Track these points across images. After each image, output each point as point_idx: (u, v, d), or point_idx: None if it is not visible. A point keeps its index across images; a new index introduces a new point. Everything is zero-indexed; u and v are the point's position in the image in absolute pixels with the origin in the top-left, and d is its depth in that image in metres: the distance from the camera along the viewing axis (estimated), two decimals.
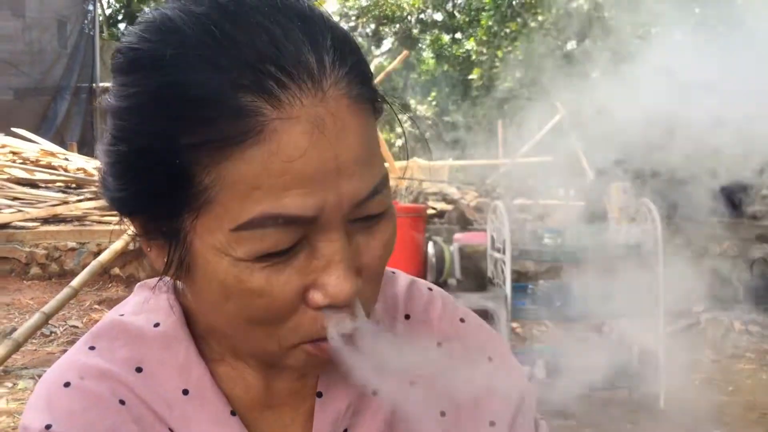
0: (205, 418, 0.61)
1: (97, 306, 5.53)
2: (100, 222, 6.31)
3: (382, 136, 23.04)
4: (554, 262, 4.82)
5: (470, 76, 17.06)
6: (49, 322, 4.88)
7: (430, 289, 0.74)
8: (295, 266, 0.53)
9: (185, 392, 0.62)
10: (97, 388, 0.61)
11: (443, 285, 3.54)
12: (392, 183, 6.03)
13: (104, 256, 5.38)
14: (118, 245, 5.55)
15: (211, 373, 0.63)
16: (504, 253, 3.64)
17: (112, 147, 0.55)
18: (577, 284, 3.88)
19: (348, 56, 0.53)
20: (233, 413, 0.62)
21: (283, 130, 0.49)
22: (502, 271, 3.66)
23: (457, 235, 3.73)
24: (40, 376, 3.43)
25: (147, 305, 0.65)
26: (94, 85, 14.81)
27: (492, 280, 3.83)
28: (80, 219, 6.38)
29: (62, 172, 7.95)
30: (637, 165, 6.19)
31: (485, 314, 3.62)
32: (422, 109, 22.83)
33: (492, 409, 0.69)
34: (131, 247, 5.79)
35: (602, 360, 3.80)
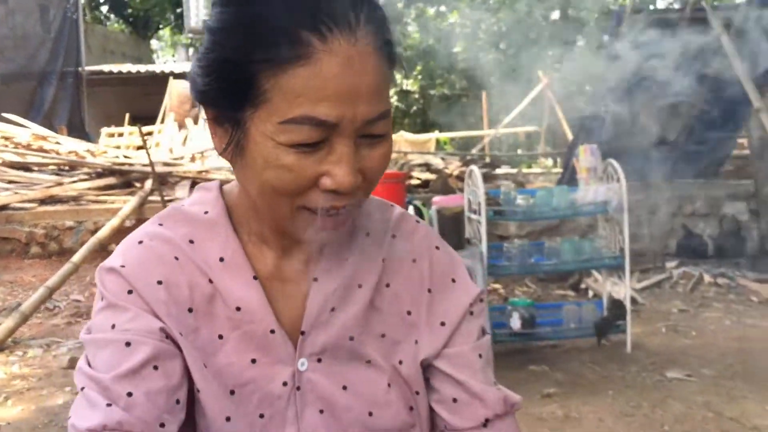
0: (236, 278, 0.83)
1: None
2: (95, 201, 6.51)
3: None
4: (527, 221, 5.09)
5: (455, 49, 17.15)
6: (53, 297, 5.12)
7: (418, 222, 0.94)
8: (317, 157, 0.73)
9: (221, 260, 0.84)
10: (160, 248, 0.83)
11: None
12: None
13: (102, 233, 5.60)
14: (115, 222, 5.79)
15: (243, 249, 0.85)
16: (480, 214, 3.89)
17: (204, 55, 0.75)
18: (549, 242, 4.14)
19: (377, 19, 0.74)
20: (255, 278, 0.84)
21: (325, 60, 0.69)
22: (479, 231, 3.91)
23: (436, 198, 3.94)
24: (48, 346, 3.70)
25: (200, 199, 0.88)
26: (79, 69, 14.84)
27: (470, 240, 4.08)
28: (76, 199, 6.57)
29: (54, 155, 8.10)
30: (612, 130, 6.45)
31: None
32: (408, 84, 22.91)
33: (445, 313, 0.89)
34: (128, 223, 6.02)
35: (573, 311, 4.08)
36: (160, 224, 0.86)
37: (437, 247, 0.92)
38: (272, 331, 0.83)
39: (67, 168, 7.69)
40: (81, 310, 5.26)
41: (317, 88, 0.69)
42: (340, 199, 0.75)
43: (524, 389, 3.39)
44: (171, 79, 12.92)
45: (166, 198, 6.18)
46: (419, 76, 22.44)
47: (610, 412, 3.06)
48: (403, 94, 21.82)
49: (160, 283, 0.81)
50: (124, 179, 7.15)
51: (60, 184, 6.89)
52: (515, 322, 3.96)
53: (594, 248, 4.06)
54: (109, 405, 0.75)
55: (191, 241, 0.84)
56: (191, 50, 20.44)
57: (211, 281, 0.83)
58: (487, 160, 9.13)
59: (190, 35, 19.67)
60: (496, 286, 5.82)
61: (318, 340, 0.84)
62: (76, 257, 5.25)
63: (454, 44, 17.80)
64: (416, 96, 21.82)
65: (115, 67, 15.13)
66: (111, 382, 0.76)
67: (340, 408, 0.85)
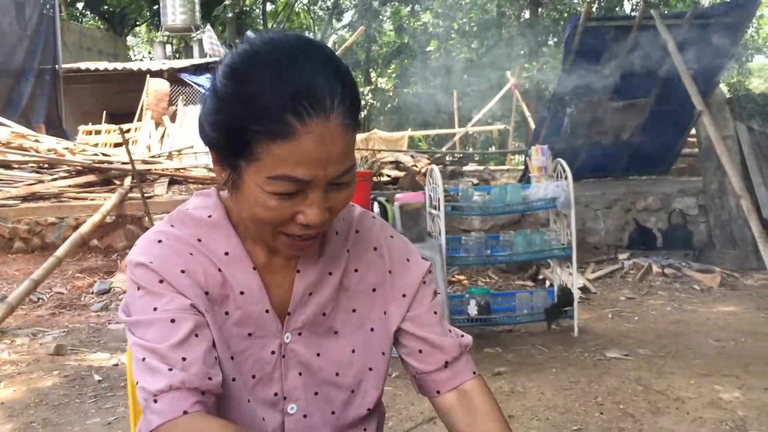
0: (239, 268, 1.05)
1: (79, 274, 6.00)
2: (76, 198, 6.74)
3: None
4: (482, 215, 5.43)
5: (428, 48, 17.46)
6: (37, 289, 5.37)
7: (374, 217, 1.18)
8: (294, 201, 0.95)
9: (226, 254, 1.05)
10: (177, 245, 1.03)
11: None
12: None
13: (84, 228, 5.85)
14: (96, 218, 6.03)
15: (243, 246, 1.06)
16: (439, 209, 4.22)
17: (212, 113, 0.95)
18: (504, 235, 4.47)
19: (348, 97, 0.92)
20: (254, 268, 1.06)
21: (303, 138, 0.89)
22: (439, 225, 4.24)
23: (398, 195, 4.25)
24: (34, 335, 3.97)
25: (202, 204, 1.08)
26: (56, 66, 14.89)
27: (431, 233, 4.41)
28: (57, 196, 6.79)
29: (34, 153, 8.27)
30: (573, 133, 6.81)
31: None
32: (382, 82, 23.18)
33: (405, 287, 1.13)
34: (108, 219, 6.27)
35: (526, 299, 4.43)
36: (171, 225, 1.07)
37: (392, 236, 1.17)
38: (267, 311, 1.06)
39: (47, 166, 7.87)
40: (64, 302, 5.51)
41: (296, 156, 0.90)
42: (311, 229, 0.98)
43: (478, 368, 3.73)
44: (148, 77, 13.08)
45: (146, 195, 6.43)
46: (393, 75, 22.75)
47: (552, 386, 3.40)
48: (378, 92, 22.09)
49: (183, 272, 1.02)
50: (103, 177, 7.37)
51: (41, 181, 7.09)
52: (472, 309, 4.29)
53: (544, 240, 4.39)
54: (170, 369, 0.94)
55: (199, 240, 1.05)
56: (168, 48, 20.52)
57: (220, 270, 1.05)
58: (456, 158, 9.46)
59: (167, 33, 19.80)
60: (461, 277, 6.16)
61: (300, 318, 1.08)
62: (59, 251, 5.49)
63: (427, 43, 18.09)
64: (390, 94, 22.11)
65: (92, 65, 15.22)
66: (167, 350, 0.96)
67: (314, 370, 1.09)
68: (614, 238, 6.75)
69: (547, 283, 5.77)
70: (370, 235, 1.15)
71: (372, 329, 1.12)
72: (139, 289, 1.01)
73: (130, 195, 6.58)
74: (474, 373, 1.16)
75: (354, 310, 1.12)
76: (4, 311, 4.68)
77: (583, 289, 5.47)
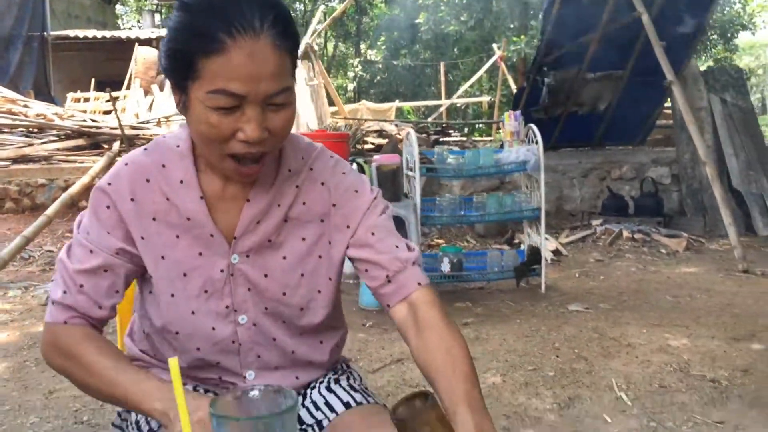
0: (188, 196, 1.17)
1: (68, 234, 6.17)
2: (66, 161, 6.90)
3: (335, 82, 23.33)
4: (455, 177, 5.63)
5: (417, 21, 17.51)
6: (28, 247, 5.55)
7: (332, 156, 1.28)
8: (233, 117, 1.05)
9: (181, 182, 1.17)
10: (137, 171, 1.18)
11: None
12: (338, 122, 6.73)
13: (74, 189, 6.02)
14: (85, 180, 6.20)
15: (197, 175, 1.18)
16: (415, 171, 4.42)
17: (166, 43, 1.08)
18: (477, 196, 4.68)
19: (281, 23, 1.03)
20: (201, 198, 1.18)
21: (233, 52, 1.00)
22: (414, 186, 4.44)
23: (376, 156, 4.45)
24: (26, 288, 4.16)
25: (177, 135, 1.22)
26: (45, 33, 14.90)
27: (407, 194, 4.61)
28: (47, 159, 6.95)
29: (23, 118, 8.40)
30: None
31: (400, 221, 4.41)
32: (372, 54, 23.19)
33: (348, 217, 1.23)
34: (97, 181, 6.44)
35: (496, 257, 4.65)
36: (145, 149, 1.22)
37: (343, 173, 1.26)
38: (211, 235, 1.19)
39: (36, 130, 8.01)
40: (54, 260, 5.70)
41: (229, 70, 1.01)
42: (252, 147, 1.07)
43: None
44: (137, 45, 13.14)
45: None
46: (383, 47, 22.76)
47: (514, 334, 3.64)
48: (368, 64, 22.14)
49: (132, 200, 1.17)
50: (92, 141, 7.52)
51: (31, 145, 7.24)
52: (445, 266, 4.51)
53: (515, 202, 4.60)
54: (65, 292, 1.16)
55: (163, 165, 1.19)
56: (157, 16, 20.46)
57: (168, 199, 1.18)
58: (440, 128, 9.64)
59: (156, 1, 19.74)
60: (440, 241, 6.37)
61: (246, 242, 1.20)
62: (50, 210, 5.67)
63: (417, 15, 18.12)
64: (380, 66, 22.16)
65: (80, 32, 15.23)
66: (74, 273, 1.16)
67: (262, 288, 1.21)
68: (589, 205, 6.98)
69: (522, 246, 6.01)
70: (321, 173, 1.25)
71: (320, 256, 1.24)
72: (90, 209, 1.19)
73: (117, 158, 6.73)
74: (419, 284, 1.20)
75: (303, 239, 1.23)
76: None
77: (556, 252, 5.70)
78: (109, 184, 1.17)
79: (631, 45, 6.73)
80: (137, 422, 1.24)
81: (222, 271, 1.19)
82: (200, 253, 1.19)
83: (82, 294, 1.16)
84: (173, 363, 0.91)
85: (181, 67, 1.05)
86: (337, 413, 1.26)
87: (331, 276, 1.26)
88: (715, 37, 19.19)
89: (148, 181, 1.18)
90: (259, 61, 1.02)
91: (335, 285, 1.27)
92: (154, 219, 1.18)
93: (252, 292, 1.22)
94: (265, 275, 1.21)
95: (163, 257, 1.18)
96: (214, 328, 1.21)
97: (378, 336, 3.62)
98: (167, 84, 12.96)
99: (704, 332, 3.61)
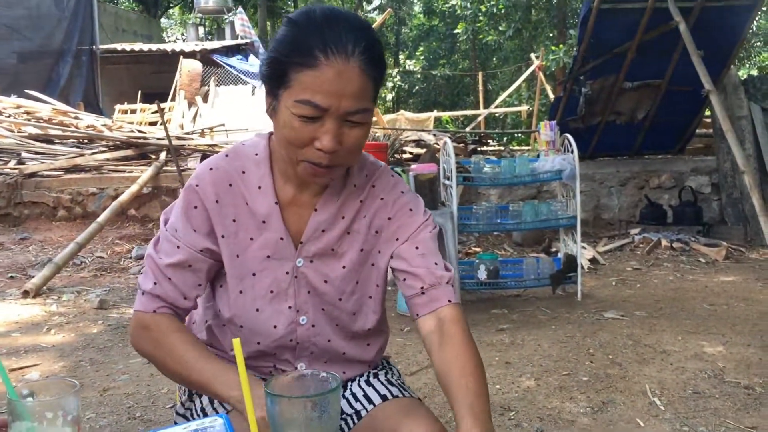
0: (265, 202, 1.29)
1: (118, 241, 6.42)
2: (115, 171, 7.16)
3: None
4: (492, 186, 5.70)
5: (456, 31, 17.61)
6: (80, 254, 5.80)
7: (393, 176, 1.39)
8: (314, 127, 1.17)
9: (259, 187, 1.30)
10: (222, 176, 1.29)
11: None
12: (377, 132, 6.86)
13: (124, 197, 6.26)
14: (134, 188, 6.45)
15: (273, 182, 1.31)
16: (451, 180, 4.52)
17: (267, 53, 1.23)
18: (513, 205, 4.76)
19: (369, 52, 1.16)
20: (276, 203, 1.30)
21: (325, 69, 1.13)
22: (451, 195, 4.54)
23: (413, 166, 4.56)
24: (79, 293, 4.38)
25: (255, 143, 1.34)
26: (94, 47, 15.38)
27: (444, 202, 4.71)
28: (97, 168, 7.22)
29: (74, 129, 8.73)
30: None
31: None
32: (411, 64, 23.34)
33: (399, 232, 1.34)
34: (145, 190, 6.68)
35: (532, 265, 4.72)
36: (227, 155, 1.33)
37: (402, 192, 1.37)
38: (281, 239, 1.31)
39: (86, 141, 8.32)
40: (105, 265, 5.93)
41: (317, 84, 1.14)
42: (324, 157, 1.18)
43: (483, 326, 4.05)
44: (181, 58, 13.50)
45: (180, 168, 6.82)
46: (422, 57, 22.89)
47: (549, 340, 3.70)
48: (406, 75, 22.29)
49: (217, 202, 1.29)
50: (140, 152, 7.78)
51: (82, 155, 7.53)
52: (481, 274, 4.59)
53: (551, 210, 4.66)
54: (155, 283, 1.28)
55: (243, 172, 1.31)
56: (200, 29, 20.93)
57: (247, 203, 1.31)
58: (477, 137, 9.71)
59: (200, 15, 20.21)
60: (477, 249, 6.45)
61: (311, 248, 1.32)
62: (101, 218, 5.91)
63: (455, 25, 18.21)
64: (419, 76, 22.29)
65: (128, 46, 15.68)
66: (163, 267, 1.28)
67: (321, 292, 1.33)
68: (627, 214, 6.98)
69: (559, 255, 6.05)
70: (382, 190, 1.36)
71: (372, 264, 1.36)
72: (181, 207, 1.31)
73: (165, 168, 6.97)
74: (449, 301, 1.28)
75: (362, 250, 1.34)
76: (53, 270, 5.11)
77: (593, 261, 5.73)
78: (197, 185, 1.29)
79: (669, 53, 6.73)
80: (203, 409, 1.35)
81: (287, 273, 1.31)
82: (268, 256, 1.31)
83: (170, 285, 1.28)
84: (237, 343, 1.03)
85: (276, 75, 1.18)
86: (374, 404, 1.35)
87: (379, 283, 1.38)
88: (759, 44, 18.87)
89: (230, 185, 1.30)
90: (345, 81, 1.14)
91: (382, 291, 1.39)
92: (234, 220, 1.30)
93: (312, 295, 1.33)
94: (325, 281, 1.33)
95: (237, 256, 1.30)
96: (275, 326, 1.32)
97: (415, 341, 3.71)
98: (211, 95, 13.30)
99: (740, 340, 3.63)
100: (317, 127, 1.17)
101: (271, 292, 1.32)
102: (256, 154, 1.32)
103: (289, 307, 1.32)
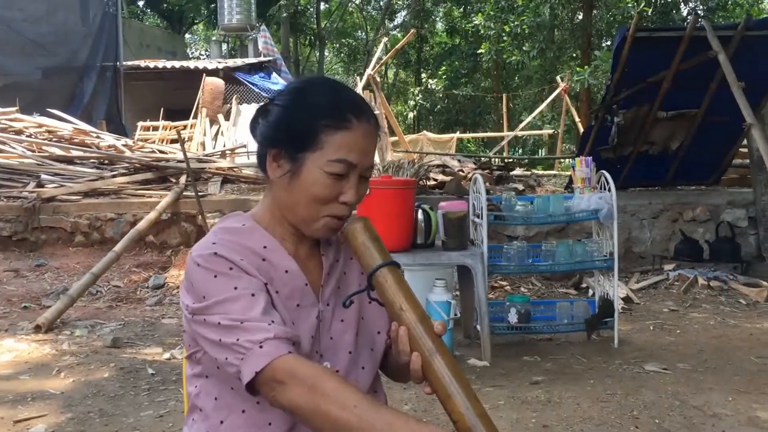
0: (279, 255, 1.32)
1: (135, 269, 6.27)
2: (134, 195, 7.03)
3: (395, 109, 23.39)
4: (524, 224, 5.48)
5: (479, 51, 17.43)
6: (96, 282, 5.64)
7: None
8: (341, 183, 1.27)
9: (265, 247, 1.31)
10: (227, 245, 1.27)
11: (431, 245, 4.21)
12: (400, 157, 6.69)
13: (141, 225, 6.11)
14: (152, 215, 6.30)
15: (275, 241, 1.33)
16: (482, 218, 4.30)
17: (281, 119, 1.29)
18: (546, 244, 4.53)
19: (374, 117, 1.33)
20: (290, 254, 1.33)
21: (357, 130, 1.27)
22: (481, 234, 4.32)
23: (442, 204, 4.34)
24: (93, 327, 4.20)
25: (234, 221, 1.36)
26: (118, 64, 15.39)
27: (473, 241, 4.50)
28: (116, 192, 7.09)
29: (95, 150, 8.63)
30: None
31: (466, 269, 4.29)
32: (433, 83, 23.19)
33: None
34: (164, 217, 6.52)
35: (566, 308, 4.48)
36: (213, 243, 1.29)
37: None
38: (306, 284, 1.33)
39: (106, 162, 8.21)
40: (120, 295, 5.77)
41: (351, 143, 1.27)
42: (346, 209, 1.29)
43: (515, 377, 3.81)
44: (204, 75, 13.44)
45: (200, 193, 6.67)
46: (444, 76, 22.73)
47: (588, 397, 3.46)
48: (428, 93, 22.15)
49: (242, 259, 1.26)
50: (160, 174, 7.65)
51: (101, 177, 7.41)
52: (512, 317, 4.36)
53: (586, 251, 4.43)
54: (269, 324, 1.17)
55: (240, 244, 1.30)
56: (224, 46, 20.96)
57: (264, 259, 1.30)
58: (503, 162, 9.49)
59: (223, 32, 20.24)
60: (503, 283, 6.22)
61: (327, 291, 1.36)
62: (118, 247, 5.76)
63: (478, 45, 18.06)
64: (440, 95, 22.14)
65: (151, 63, 15.69)
66: (259, 316, 1.18)
67: (339, 333, 1.36)
68: (660, 248, 6.71)
69: (590, 292, 5.79)
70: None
71: (369, 302, 1.33)
72: (216, 276, 1.23)
73: (184, 193, 6.82)
74: None
75: (358, 285, 1.39)
76: (66, 303, 4.96)
77: (626, 300, 5.47)
78: (217, 253, 1.25)
79: (706, 83, 6.47)
80: None
81: (317, 318, 1.33)
82: (298, 305, 1.31)
83: (280, 325, 1.19)
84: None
85: (299, 138, 1.26)
86: None
87: (380, 329, 1.42)
88: None
89: (242, 248, 1.29)
90: (369, 141, 1.30)
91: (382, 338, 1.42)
92: (260, 275, 1.28)
93: (334, 339, 1.35)
94: (342, 320, 1.36)
95: (274, 306, 1.27)
96: None
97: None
98: (233, 113, 13.21)
99: None
100: (342, 184, 1.27)
101: (312, 337, 1.31)
102: (244, 225, 1.34)
103: (316, 352, 1.32)
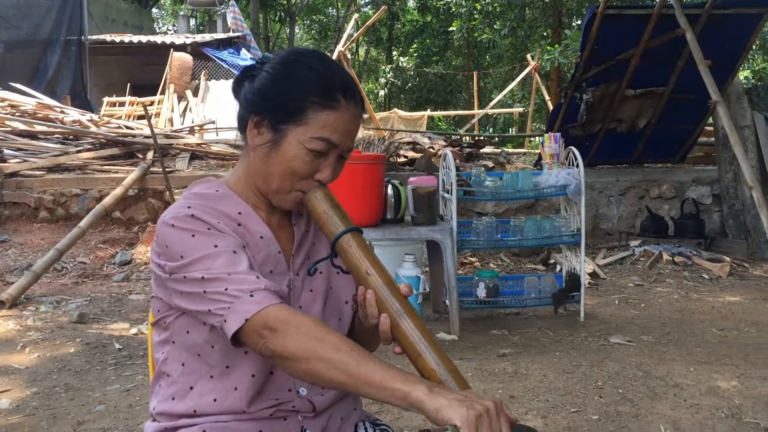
0: (254, 221, 1.32)
1: (101, 245, 6.18)
2: (100, 170, 6.90)
3: (366, 87, 23.25)
4: (494, 200, 5.51)
5: (450, 28, 17.39)
6: (61, 259, 5.55)
7: None
8: (318, 162, 1.28)
9: (239, 213, 1.31)
10: (202, 206, 1.26)
11: (400, 220, 4.21)
12: (371, 133, 6.66)
13: (107, 200, 6.01)
14: (118, 191, 6.20)
15: (249, 208, 1.33)
16: (451, 194, 4.31)
17: (265, 85, 1.28)
18: (514, 220, 4.56)
19: (361, 100, 1.32)
20: (263, 221, 1.33)
21: (344, 111, 1.27)
22: (451, 209, 4.33)
23: (412, 179, 4.34)
24: (58, 303, 4.15)
25: (206, 187, 1.34)
26: (82, 38, 15.04)
27: (443, 217, 4.51)
28: (81, 168, 6.96)
29: (59, 125, 8.45)
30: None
31: (435, 244, 4.31)
32: (404, 61, 23.08)
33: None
34: (131, 192, 6.43)
35: (533, 283, 4.53)
36: (189, 207, 1.27)
37: None
38: (279, 252, 1.34)
39: (71, 137, 8.05)
40: (87, 272, 5.69)
41: (336, 124, 1.26)
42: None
43: (483, 350, 3.85)
44: (172, 50, 13.23)
45: (167, 169, 6.58)
46: (415, 54, 22.64)
47: (554, 369, 3.51)
48: (399, 71, 22.05)
49: (219, 222, 1.25)
50: (126, 150, 7.53)
51: (66, 153, 7.26)
52: (481, 291, 4.40)
53: (554, 227, 4.47)
54: (258, 277, 1.18)
55: (213, 208, 1.29)
56: (192, 21, 20.60)
57: (239, 224, 1.30)
58: (473, 140, 9.51)
59: (191, 6, 19.88)
60: (473, 259, 6.26)
61: (297, 260, 1.37)
62: (83, 223, 5.67)
63: (450, 23, 18.00)
64: (411, 73, 22.06)
65: (117, 37, 15.37)
66: (244, 272, 1.17)
67: (308, 304, 1.36)
68: (627, 225, 6.81)
69: (558, 268, 5.86)
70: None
71: (338, 272, 1.36)
72: (193, 235, 1.22)
73: (152, 169, 6.72)
74: None
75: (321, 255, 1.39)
76: (30, 279, 4.87)
77: (593, 275, 5.55)
78: (193, 215, 1.24)
79: (673, 61, 6.54)
80: None
81: (287, 286, 1.33)
82: (271, 271, 1.31)
83: (265, 281, 1.19)
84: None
85: (285, 110, 1.26)
86: None
87: (348, 299, 1.42)
88: (754, 48, 18.74)
89: (216, 212, 1.28)
90: (353, 123, 1.29)
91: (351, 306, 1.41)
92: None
93: (303, 308, 1.34)
94: (311, 290, 1.36)
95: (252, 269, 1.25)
96: None
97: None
98: (202, 89, 13.04)
99: (755, 372, 3.45)
100: (320, 162, 1.28)
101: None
102: (217, 191, 1.33)
103: None
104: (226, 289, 1.16)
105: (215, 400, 1.28)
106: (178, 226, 1.23)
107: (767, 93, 6.92)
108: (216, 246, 1.21)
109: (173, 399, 1.31)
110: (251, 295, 1.14)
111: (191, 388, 1.30)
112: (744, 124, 6.76)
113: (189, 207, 1.26)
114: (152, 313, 1.36)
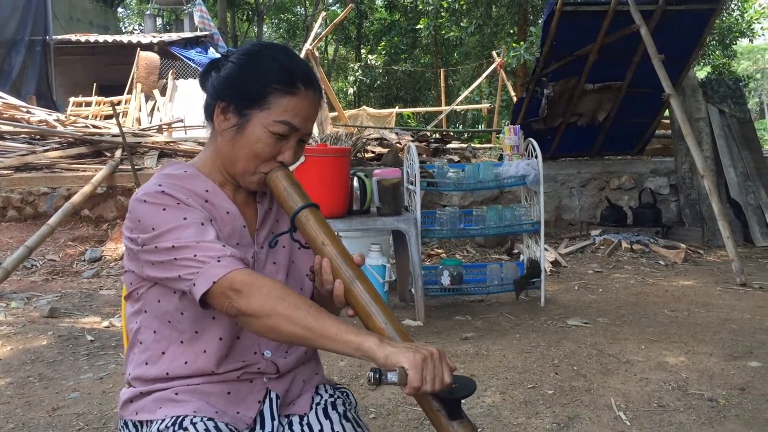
0: (220, 197, 1.42)
1: (71, 243, 6.21)
2: (68, 169, 6.92)
3: (335, 86, 23.28)
4: (456, 191, 5.66)
5: (418, 26, 17.55)
6: (30, 257, 5.58)
7: None
8: (280, 144, 1.38)
9: (207, 191, 1.41)
10: (173, 185, 1.36)
11: (366, 211, 4.34)
12: (339, 130, 6.75)
13: (76, 198, 6.05)
14: (87, 189, 6.23)
15: (217, 186, 1.44)
16: (415, 185, 4.45)
17: (231, 73, 1.39)
18: (477, 210, 4.71)
19: (320, 88, 1.43)
20: (229, 198, 1.43)
21: (303, 97, 1.38)
22: (415, 200, 4.47)
23: (376, 171, 4.46)
24: (29, 299, 4.20)
25: (176, 168, 1.44)
26: (47, 37, 14.91)
27: (407, 208, 4.65)
28: (49, 167, 6.96)
29: (26, 125, 8.42)
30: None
31: (401, 235, 4.44)
32: (372, 58, 23.19)
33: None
34: (99, 190, 6.47)
35: (496, 270, 4.69)
36: (159, 184, 1.37)
37: None
38: (243, 226, 1.44)
39: (38, 137, 8.03)
40: (57, 269, 5.73)
41: (296, 109, 1.37)
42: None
43: (447, 334, 4.00)
44: (138, 50, 13.18)
45: (136, 167, 6.63)
46: (383, 51, 22.77)
47: (513, 350, 3.67)
48: (368, 69, 22.15)
49: (188, 198, 1.35)
50: (94, 149, 7.54)
51: (33, 152, 7.25)
52: (445, 279, 4.55)
53: (515, 216, 4.63)
54: (223, 246, 1.28)
55: (185, 185, 1.39)
56: (158, 20, 20.48)
57: (207, 201, 1.41)
58: (440, 135, 9.67)
59: (157, 5, 19.78)
60: (439, 250, 6.41)
61: (262, 234, 1.47)
62: (53, 220, 5.70)
63: (417, 20, 18.15)
64: (380, 71, 22.18)
65: (82, 36, 15.26)
66: (212, 241, 1.28)
67: (273, 273, 1.46)
68: (588, 215, 7.02)
69: (521, 257, 6.04)
70: None
71: (299, 248, 1.50)
72: (164, 209, 1.32)
73: (120, 167, 6.77)
74: None
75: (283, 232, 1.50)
76: (0, 276, 4.91)
77: (555, 263, 5.73)
78: (164, 191, 1.34)
79: (630, 56, 6.76)
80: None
81: (252, 257, 1.43)
82: (237, 243, 1.42)
83: (230, 249, 1.29)
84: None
85: (249, 96, 1.36)
86: None
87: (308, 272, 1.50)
88: (713, 43, 19.23)
89: (185, 190, 1.38)
90: (313, 109, 1.41)
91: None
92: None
93: (267, 273, 1.44)
94: (274, 262, 1.47)
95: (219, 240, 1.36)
96: None
97: None
98: (169, 88, 13.02)
99: (702, 349, 3.65)
100: (282, 144, 1.38)
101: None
102: (185, 171, 1.43)
103: None
104: (195, 256, 1.27)
105: (186, 362, 1.39)
106: (150, 201, 1.33)
107: (720, 86, 7.19)
108: (185, 218, 1.31)
109: (146, 364, 1.42)
110: (218, 261, 1.25)
111: (163, 353, 1.40)
112: (699, 116, 7.01)
113: (160, 185, 1.36)
114: (125, 287, 1.47)
